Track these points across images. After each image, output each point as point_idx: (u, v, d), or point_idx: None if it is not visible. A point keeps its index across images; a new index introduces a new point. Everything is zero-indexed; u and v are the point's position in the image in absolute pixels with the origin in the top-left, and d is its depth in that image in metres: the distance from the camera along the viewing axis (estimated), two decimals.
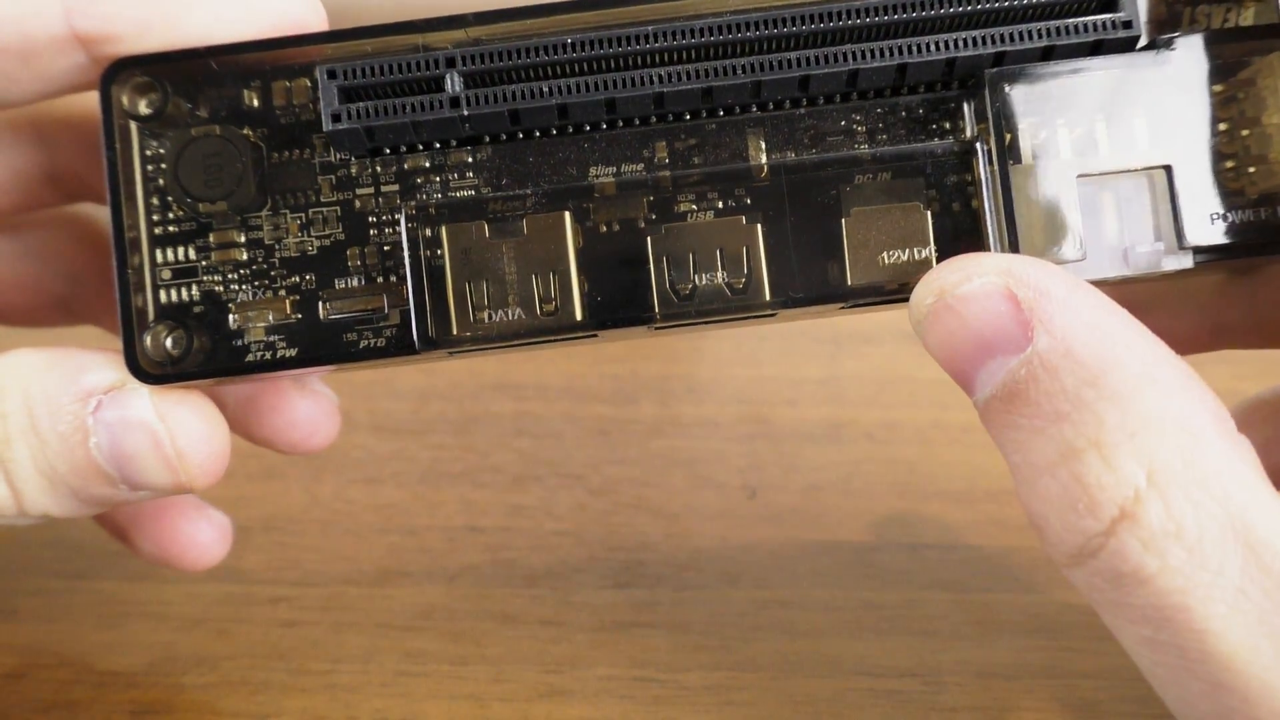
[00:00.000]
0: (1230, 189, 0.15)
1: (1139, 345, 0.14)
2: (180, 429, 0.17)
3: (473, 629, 0.24)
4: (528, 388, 0.31)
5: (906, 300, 0.16)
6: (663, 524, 0.27)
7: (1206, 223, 0.15)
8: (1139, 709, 0.21)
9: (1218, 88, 0.15)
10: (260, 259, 0.16)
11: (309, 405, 0.21)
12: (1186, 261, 0.15)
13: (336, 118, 0.15)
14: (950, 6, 0.15)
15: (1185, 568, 0.13)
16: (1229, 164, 0.15)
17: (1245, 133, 0.15)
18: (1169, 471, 0.13)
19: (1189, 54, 0.15)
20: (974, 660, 0.22)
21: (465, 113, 0.15)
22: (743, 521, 0.27)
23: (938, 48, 0.15)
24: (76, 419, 0.16)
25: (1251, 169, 0.15)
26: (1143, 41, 0.16)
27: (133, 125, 0.16)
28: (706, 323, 0.16)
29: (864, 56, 0.15)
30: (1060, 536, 0.14)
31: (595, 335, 0.16)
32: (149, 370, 0.16)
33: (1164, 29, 0.16)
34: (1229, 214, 0.15)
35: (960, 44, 0.15)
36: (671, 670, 0.22)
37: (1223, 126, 0.15)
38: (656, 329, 0.16)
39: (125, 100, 0.16)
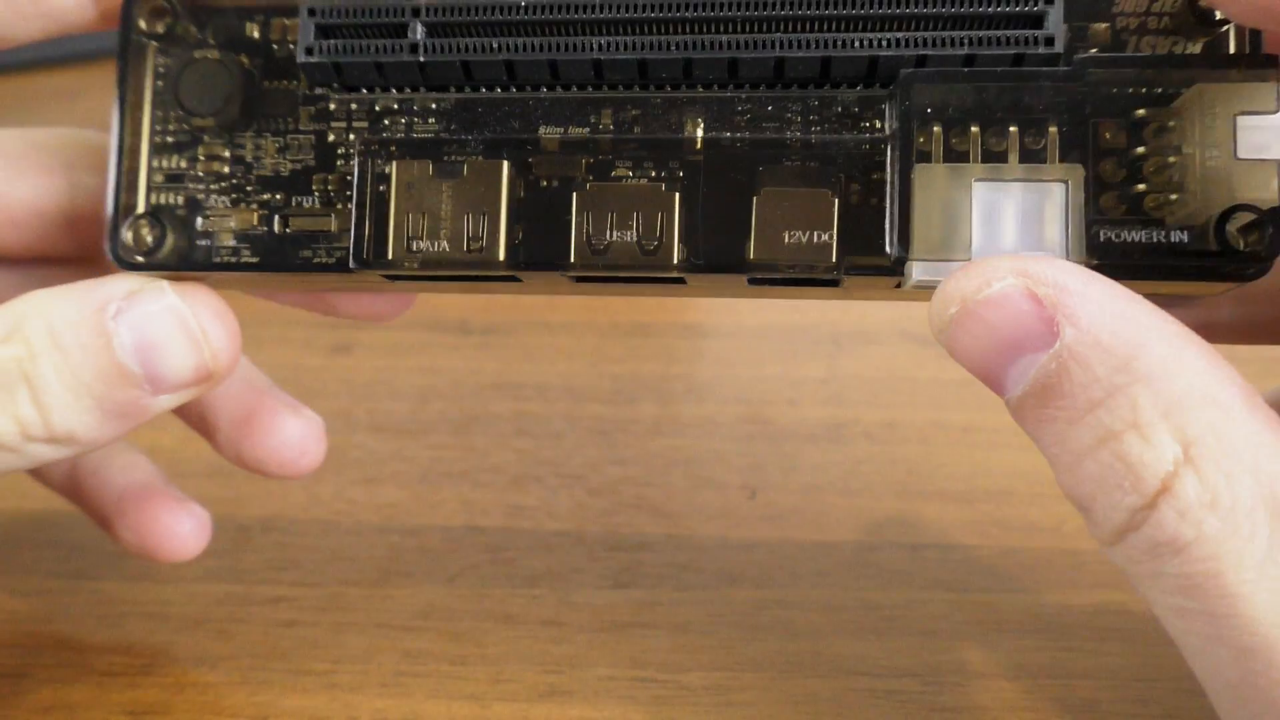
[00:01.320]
0: (1135, 212, 0.16)
1: (1162, 328, 0.14)
2: (200, 308, 0.18)
3: (473, 629, 0.24)
4: (528, 388, 0.31)
5: (808, 282, 0.17)
6: (663, 524, 0.27)
7: (1102, 241, 0.16)
8: (1139, 709, 0.21)
9: (1140, 112, 0.16)
10: (239, 174, 0.18)
11: (300, 427, 0.22)
12: None
13: (309, 51, 0.17)
14: (876, 8, 0.16)
15: (1218, 535, 0.13)
16: (1140, 186, 0.16)
17: (1161, 159, 0.16)
18: (1202, 445, 0.13)
19: (1113, 75, 0.16)
20: (974, 660, 0.22)
21: (422, 59, 0.17)
22: (743, 521, 0.27)
23: (861, 45, 0.16)
24: (98, 325, 0.17)
25: (1164, 195, 0.15)
26: (1064, 58, 0.16)
27: (149, 44, 0.19)
28: (617, 279, 0.17)
29: (789, 46, 0.16)
30: (1106, 515, 0.14)
31: (517, 279, 0.18)
32: (125, 259, 0.18)
33: (1105, 51, 0.16)
34: (1128, 234, 0.16)
35: (884, 44, 0.16)
36: (671, 670, 0.22)
37: (1140, 150, 0.16)
38: (572, 278, 0.17)
39: (142, 21, 0.18)
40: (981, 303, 0.15)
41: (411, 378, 0.32)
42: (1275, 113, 0.15)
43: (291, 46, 0.18)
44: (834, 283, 0.17)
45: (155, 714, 0.22)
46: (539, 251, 0.17)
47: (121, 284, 0.18)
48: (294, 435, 0.22)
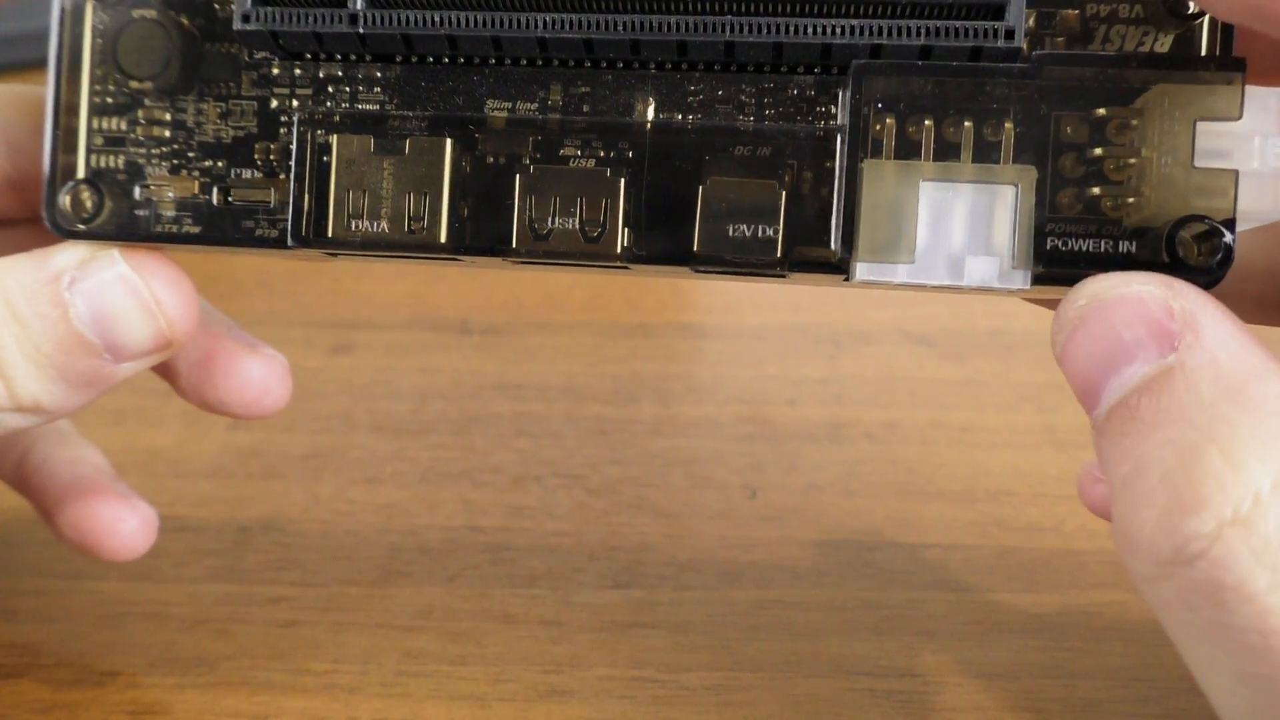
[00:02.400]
0: (1090, 213, 0.15)
1: (1270, 361, 0.13)
2: (152, 277, 0.18)
3: (473, 629, 0.24)
4: (528, 388, 0.31)
5: (752, 274, 0.16)
6: (663, 524, 0.27)
7: (1049, 249, 0.15)
8: (1139, 709, 0.21)
9: (1100, 111, 0.15)
10: (181, 139, 0.18)
11: (260, 366, 0.22)
12: (1021, 282, 0.15)
13: (245, 18, 0.17)
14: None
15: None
16: (1097, 190, 0.15)
17: (1119, 159, 0.15)
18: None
19: (1073, 74, 0.15)
20: (974, 660, 0.22)
21: (361, 30, 0.16)
22: (743, 521, 0.27)
23: (814, 32, 0.15)
24: (54, 296, 0.17)
25: (1121, 198, 0.15)
26: (1024, 53, 0.15)
27: (87, 5, 0.18)
28: (559, 264, 0.17)
29: (740, 30, 0.15)
30: (1154, 539, 0.13)
31: (457, 260, 0.17)
32: (63, 226, 0.18)
33: (1073, 44, 0.16)
34: (1077, 243, 0.15)
35: (837, 31, 0.15)
36: (671, 670, 0.22)
37: (1098, 152, 0.15)
38: (513, 262, 0.17)
39: None
40: (1115, 299, 0.14)
41: (411, 378, 0.32)
42: (1238, 120, 0.14)
43: (233, 9, 0.17)
44: (779, 276, 0.16)
45: (155, 714, 0.22)
46: (481, 235, 0.17)
47: (72, 253, 0.18)
48: (255, 374, 0.21)
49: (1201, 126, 0.15)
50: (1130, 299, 0.14)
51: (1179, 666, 0.22)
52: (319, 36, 0.17)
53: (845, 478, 0.28)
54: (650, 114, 0.17)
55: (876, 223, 0.15)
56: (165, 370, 0.22)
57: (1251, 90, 0.15)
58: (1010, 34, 0.15)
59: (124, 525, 0.22)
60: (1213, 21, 0.15)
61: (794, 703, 0.21)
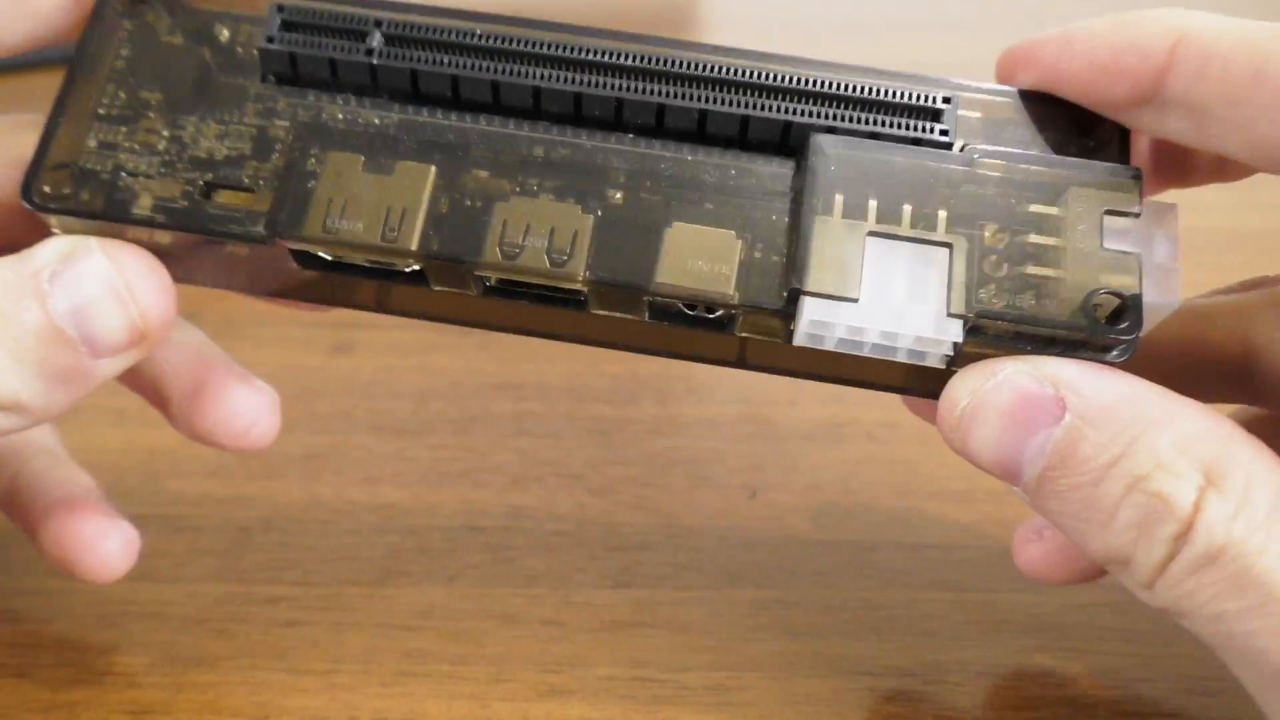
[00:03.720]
0: (1016, 281, 0.17)
1: (1153, 387, 0.16)
2: (127, 267, 0.18)
3: (473, 629, 0.24)
4: (528, 388, 0.31)
5: (705, 325, 0.18)
6: (663, 524, 0.27)
7: (980, 302, 0.17)
8: (1139, 709, 0.21)
9: (1027, 203, 0.17)
10: (174, 152, 0.19)
11: (250, 397, 0.22)
12: (955, 334, 0.17)
13: (270, 39, 0.18)
14: (793, 84, 0.18)
15: (1246, 536, 0.15)
16: (1021, 265, 0.17)
17: (1041, 240, 0.17)
18: (1218, 470, 0.15)
19: (1002, 168, 0.18)
20: (974, 660, 0.22)
21: (375, 61, 0.18)
22: (743, 521, 0.27)
23: (777, 110, 0.18)
24: (35, 289, 0.18)
25: (1043, 271, 0.17)
26: (959, 147, 0.18)
27: (122, 22, 0.19)
28: (521, 290, 0.18)
29: (713, 102, 0.18)
30: (1149, 553, 0.15)
31: (424, 280, 0.18)
32: (38, 201, 0.18)
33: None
34: (1006, 301, 0.17)
35: (797, 112, 0.18)
36: (671, 670, 0.22)
37: (1023, 234, 0.17)
38: (478, 286, 0.18)
39: (118, 3, 0.19)
40: (991, 389, 0.16)
41: (411, 378, 0.32)
42: (1139, 217, 0.17)
43: (255, 53, 0.19)
44: (729, 324, 0.18)
45: (155, 714, 0.22)
46: (452, 244, 0.18)
47: (55, 246, 0.18)
48: (243, 406, 0.22)
49: (1108, 220, 0.17)
50: (1003, 385, 0.16)
51: (1179, 666, 0.22)
52: (334, 64, 0.18)
53: (845, 478, 0.28)
54: (625, 170, 0.18)
55: (825, 265, 0.17)
56: (157, 399, 0.22)
57: (1156, 199, 0.18)
58: (945, 133, 0.18)
59: (105, 544, 0.22)
60: (1122, 135, 0.18)
61: (794, 703, 0.21)
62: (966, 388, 0.17)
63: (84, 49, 0.19)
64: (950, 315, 0.17)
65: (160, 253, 0.19)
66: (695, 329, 0.18)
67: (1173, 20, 0.17)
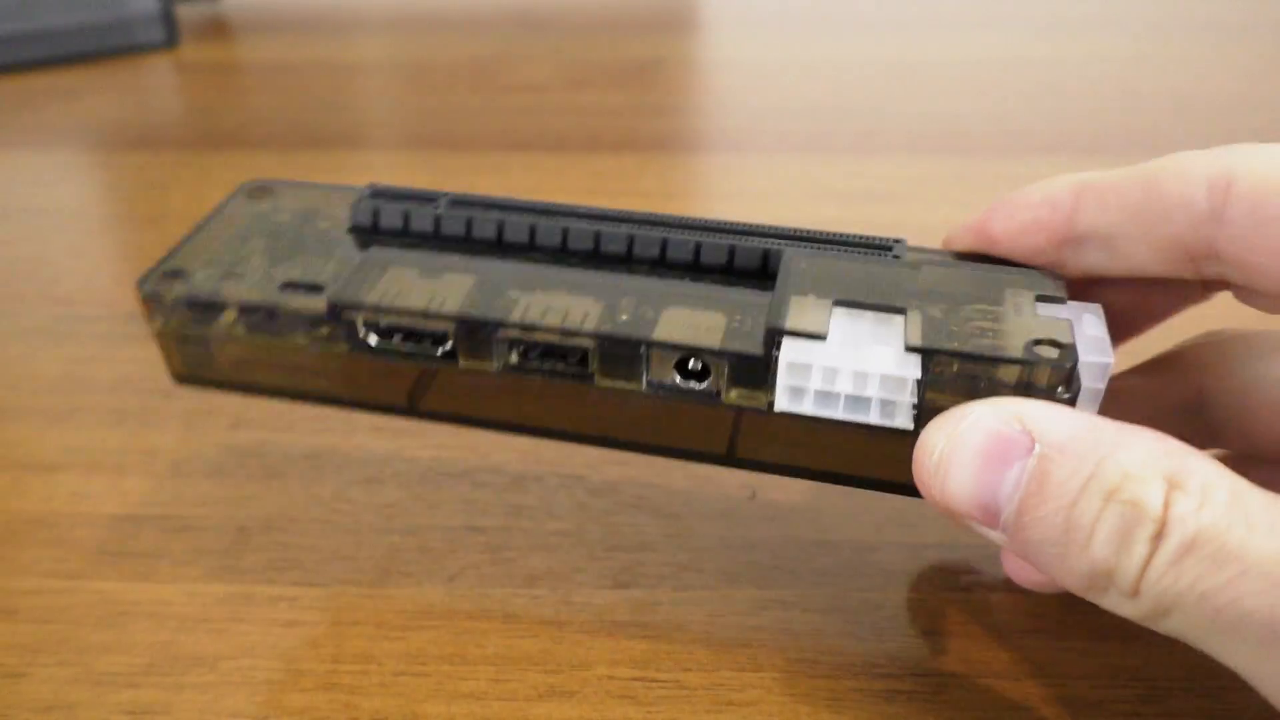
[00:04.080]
0: (965, 333, 0.19)
1: (1105, 420, 0.18)
2: None
3: (473, 629, 0.24)
4: None
5: (694, 394, 0.20)
6: (663, 524, 0.27)
7: (939, 340, 0.19)
8: (1139, 709, 0.21)
9: (970, 302, 0.20)
10: (261, 274, 0.23)
11: None
12: (914, 370, 0.19)
13: (359, 202, 0.24)
14: (770, 226, 0.23)
15: (1215, 521, 0.16)
16: (969, 323, 0.20)
17: (986, 309, 0.20)
18: (1179, 474, 0.17)
19: (949, 274, 0.21)
20: (974, 660, 0.22)
21: (439, 212, 0.23)
22: (743, 521, 0.27)
23: (757, 243, 0.22)
24: None
25: (989, 327, 0.20)
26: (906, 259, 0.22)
27: (248, 201, 0.25)
28: (540, 348, 0.21)
29: (707, 236, 0.22)
30: (1130, 557, 0.16)
31: (454, 359, 0.22)
32: (143, 289, 0.22)
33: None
34: (961, 342, 0.19)
35: (773, 245, 0.22)
36: (671, 670, 0.22)
37: (968, 308, 0.20)
38: (503, 353, 0.21)
39: (245, 195, 0.25)
40: (963, 431, 0.18)
41: None
42: (1064, 302, 0.20)
43: (346, 226, 0.24)
44: (717, 396, 0.20)
45: (155, 714, 0.22)
46: (482, 310, 0.21)
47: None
48: None
49: (1040, 305, 0.20)
50: (976, 425, 0.18)
51: (1180, 667, 0.22)
52: (407, 216, 0.23)
53: None
54: (633, 291, 0.22)
55: (799, 316, 0.20)
56: None
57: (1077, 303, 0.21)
58: (897, 257, 0.22)
59: None
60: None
61: (794, 703, 0.21)
62: (941, 434, 0.18)
63: (217, 211, 0.24)
64: (908, 350, 0.19)
65: (232, 366, 0.23)
66: (688, 401, 0.21)
67: (1072, 177, 0.21)
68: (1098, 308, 0.21)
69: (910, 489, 0.20)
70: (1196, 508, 0.16)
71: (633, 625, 0.24)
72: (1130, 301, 0.23)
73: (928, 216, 0.46)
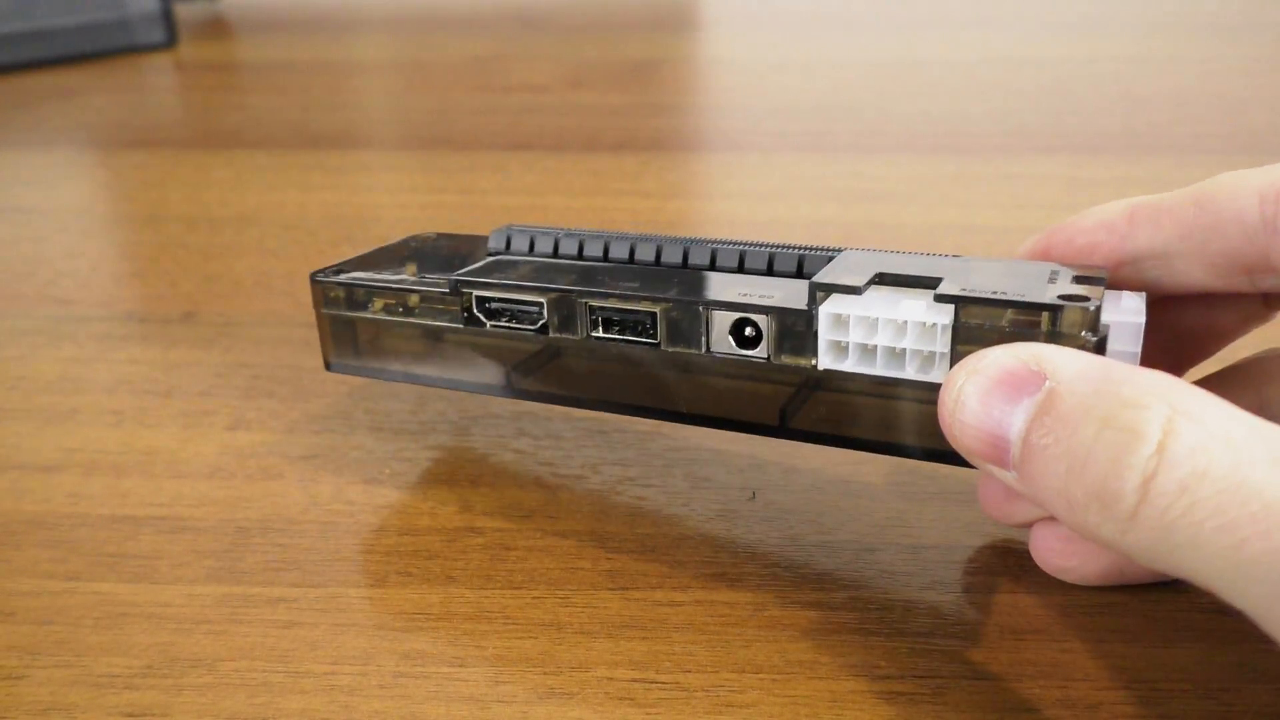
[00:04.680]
0: (994, 291, 0.21)
1: (1117, 361, 0.18)
2: None
3: (473, 629, 0.24)
4: None
5: (748, 358, 0.23)
6: (663, 524, 0.27)
7: (961, 292, 0.21)
8: (1140, 710, 0.21)
9: (998, 273, 0.22)
10: (414, 280, 0.28)
11: None
12: (946, 317, 0.21)
13: (495, 236, 0.29)
14: (821, 247, 0.25)
15: (1228, 459, 0.16)
16: (997, 291, 0.21)
17: (1016, 283, 0.21)
18: (1182, 404, 0.17)
19: (992, 265, 0.23)
20: (974, 660, 0.22)
21: (560, 235, 0.28)
22: (743, 522, 0.27)
23: (800, 251, 0.25)
24: None
25: (1015, 288, 0.21)
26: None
27: (412, 240, 0.32)
28: (616, 312, 0.25)
29: (751, 249, 0.26)
30: (1124, 479, 0.16)
31: (547, 330, 0.26)
32: (320, 274, 0.28)
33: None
34: (985, 296, 0.21)
35: (821, 252, 0.25)
36: (671, 670, 0.22)
37: (1001, 282, 0.22)
38: (586, 318, 0.25)
39: (419, 238, 0.32)
40: (982, 366, 0.19)
41: None
42: (1104, 283, 0.21)
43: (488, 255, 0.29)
44: (766, 359, 0.23)
45: (153, 716, 0.22)
46: (576, 284, 0.25)
47: None
48: None
49: (1077, 283, 0.21)
50: (993, 361, 0.19)
51: (1182, 667, 0.22)
52: (533, 240, 0.28)
53: (845, 478, 0.28)
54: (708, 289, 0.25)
55: (836, 275, 0.22)
56: None
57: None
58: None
59: None
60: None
61: (794, 703, 0.21)
62: (961, 371, 0.19)
63: (381, 246, 0.31)
64: (938, 299, 0.21)
65: (374, 351, 0.28)
66: (742, 364, 0.23)
67: (1125, 201, 0.22)
68: (1141, 293, 0.22)
69: (951, 455, 0.21)
70: (1207, 438, 0.16)
71: (632, 626, 0.24)
72: (1196, 323, 0.24)
73: (928, 216, 0.46)
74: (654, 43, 0.73)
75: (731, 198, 0.49)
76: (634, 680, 0.22)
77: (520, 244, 0.28)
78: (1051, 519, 0.24)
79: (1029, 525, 0.25)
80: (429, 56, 0.73)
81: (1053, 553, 0.24)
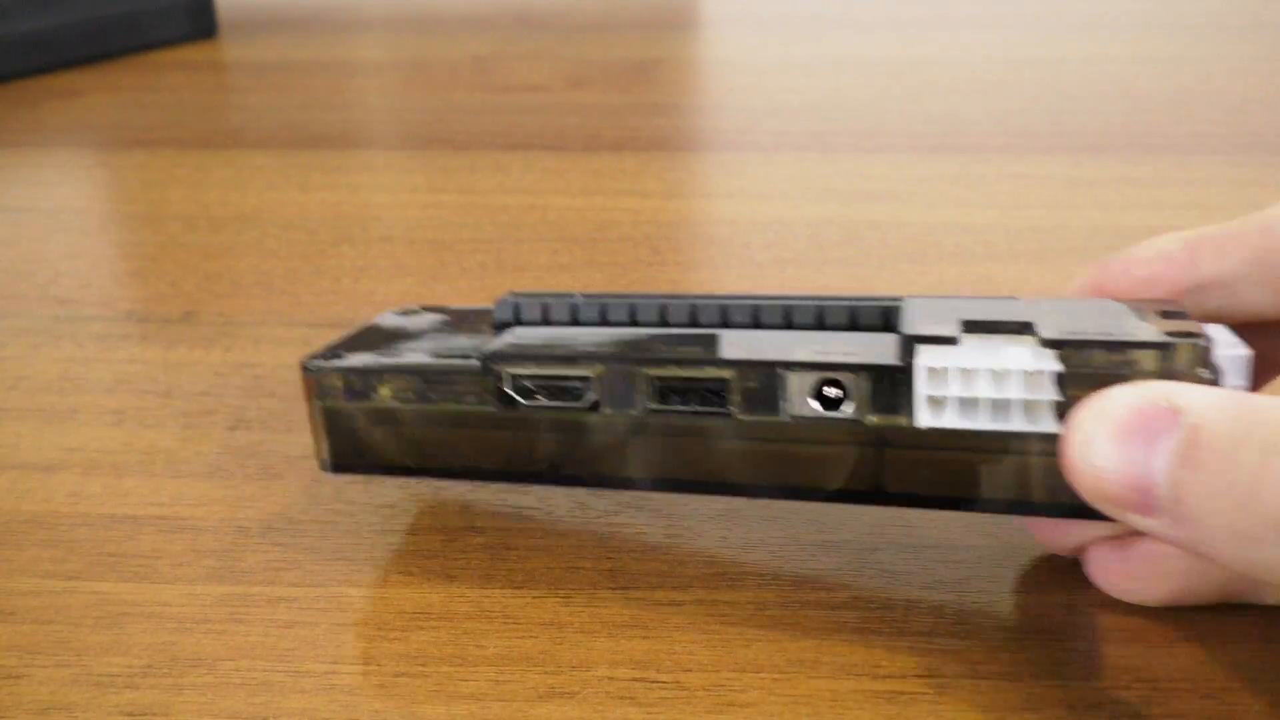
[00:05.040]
0: (1097, 334, 0.20)
1: (1244, 392, 0.17)
2: None
3: (473, 629, 0.24)
4: None
5: (833, 420, 0.21)
6: (663, 524, 0.27)
7: (1067, 335, 0.20)
8: (1141, 710, 0.21)
9: (1088, 315, 0.21)
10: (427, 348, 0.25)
11: None
12: (1052, 364, 0.20)
13: (501, 305, 0.26)
14: (882, 296, 0.24)
15: None
16: (1097, 334, 0.20)
17: (1113, 325, 0.21)
18: None
19: (1068, 303, 0.22)
20: (974, 660, 0.22)
21: (579, 301, 0.25)
22: (743, 521, 0.27)
23: (876, 303, 0.23)
24: None
25: (1118, 330, 0.20)
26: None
27: (413, 313, 0.29)
28: (681, 381, 0.22)
29: (828, 304, 0.23)
30: None
31: (597, 410, 0.23)
32: (315, 361, 0.25)
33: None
34: (1092, 338, 0.20)
35: (889, 303, 0.23)
36: (672, 670, 0.22)
37: (1099, 324, 0.21)
38: (646, 390, 0.23)
39: (405, 307, 0.30)
40: (1108, 409, 0.18)
41: None
42: (1187, 317, 0.21)
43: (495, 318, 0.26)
44: (857, 421, 0.21)
45: (153, 715, 0.22)
46: (627, 352, 0.23)
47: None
48: None
49: (1163, 319, 0.21)
50: (1120, 403, 0.18)
51: (1184, 667, 0.22)
52: (546, 308, 0.25)
53: None
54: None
55: (926, 323, 0.21)
56: None
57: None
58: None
59: None
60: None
61: (794, 703, 0.21)
62: (1087, 415, 0.18)
63: (368, 323, 0.28)
64: (1044, 343, 0.19)
65: (383, 447, 0.25)
66: (830, 430, 0.21)
67: (1182, 233, 0.22)
68: (1222, 324, 0.21)
69: (1070, 508, 0.20)
70: None
71: (633, 626, 0.24)
72: (1260, 351, 0.23)
73: (928, 216, 0.46)
74: (654, 42, 0.73)
75: (732, 197, 0.49)
76: (635, 680, 0.22)
77: (531, 313, 0.25)
78: (1109, 540, 0.23)
79: (1082, 550, 0.24)
80: (428, 56, 0.73)
81: (1115, 574, 0.23)
